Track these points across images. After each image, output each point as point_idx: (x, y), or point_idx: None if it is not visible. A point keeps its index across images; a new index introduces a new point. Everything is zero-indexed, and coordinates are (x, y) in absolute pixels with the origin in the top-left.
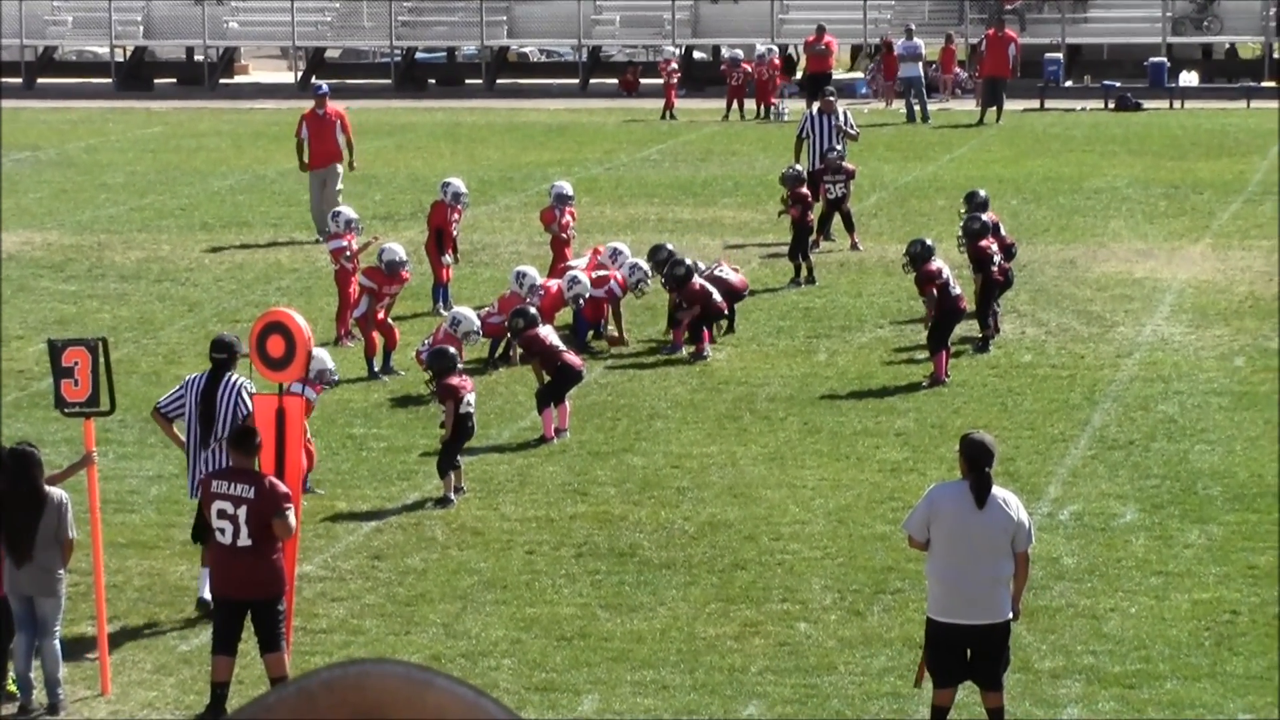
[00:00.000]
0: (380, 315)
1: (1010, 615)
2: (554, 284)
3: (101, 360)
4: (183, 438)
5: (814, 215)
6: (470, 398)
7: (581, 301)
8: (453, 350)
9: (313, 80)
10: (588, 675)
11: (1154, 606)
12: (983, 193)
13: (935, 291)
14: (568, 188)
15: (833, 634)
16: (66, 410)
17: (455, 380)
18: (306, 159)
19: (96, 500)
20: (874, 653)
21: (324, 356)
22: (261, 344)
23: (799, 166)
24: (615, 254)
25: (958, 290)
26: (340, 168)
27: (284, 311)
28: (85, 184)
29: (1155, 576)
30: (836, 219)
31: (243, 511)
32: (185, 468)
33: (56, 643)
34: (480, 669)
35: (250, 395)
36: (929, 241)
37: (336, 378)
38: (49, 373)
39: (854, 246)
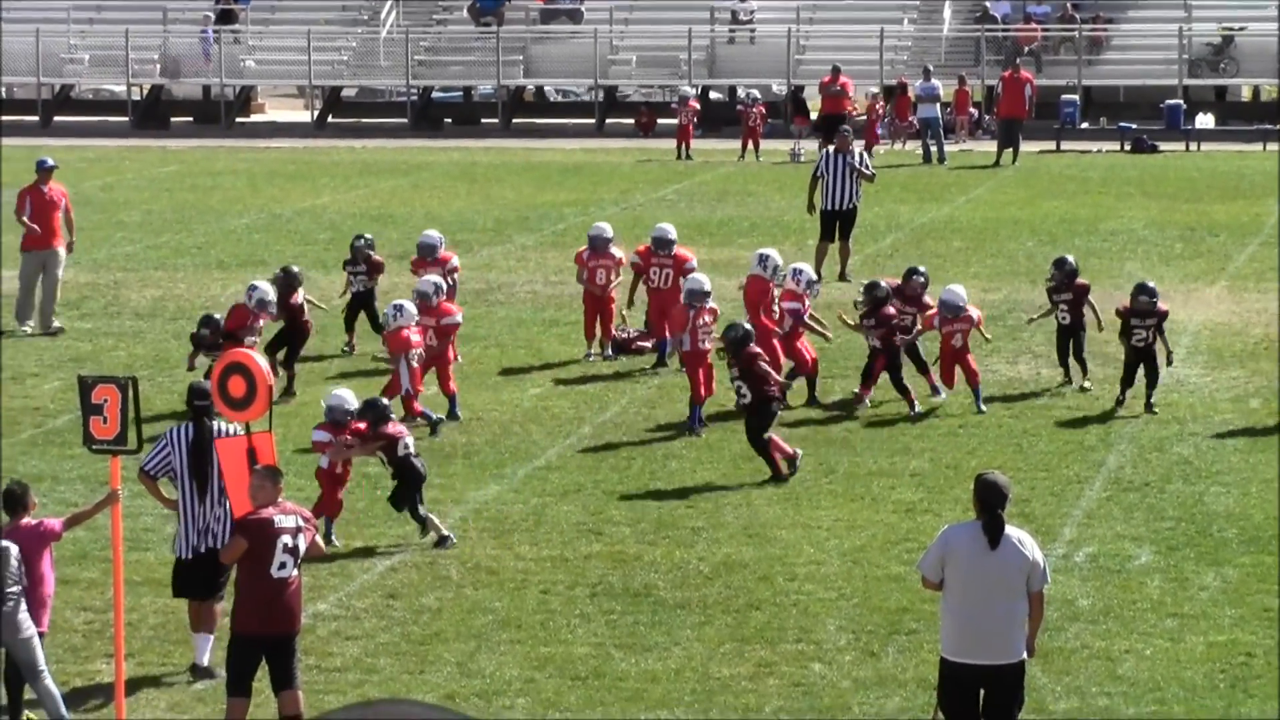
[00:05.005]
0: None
1: (1025, 655)
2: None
3: (131, 399)
4: (170, 496)
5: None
6: (408, 441)
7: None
8: (385, 401)
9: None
10: (602, 715)
11: (1169, 649)
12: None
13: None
14: (672, 231)
15: (847, 675)
16: (94, 447)
17: (390, 428)
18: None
19: (119, 537)
20: (889, 694)
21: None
22: (223, 385)
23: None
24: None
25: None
26: (62, 251)
27: (243, 352)
28: (102, 222)
29: (1170, 619)
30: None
31: (301, 540)
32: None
33: (49, 682)
34: (495, 708)
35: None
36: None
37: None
38: (65, 410)
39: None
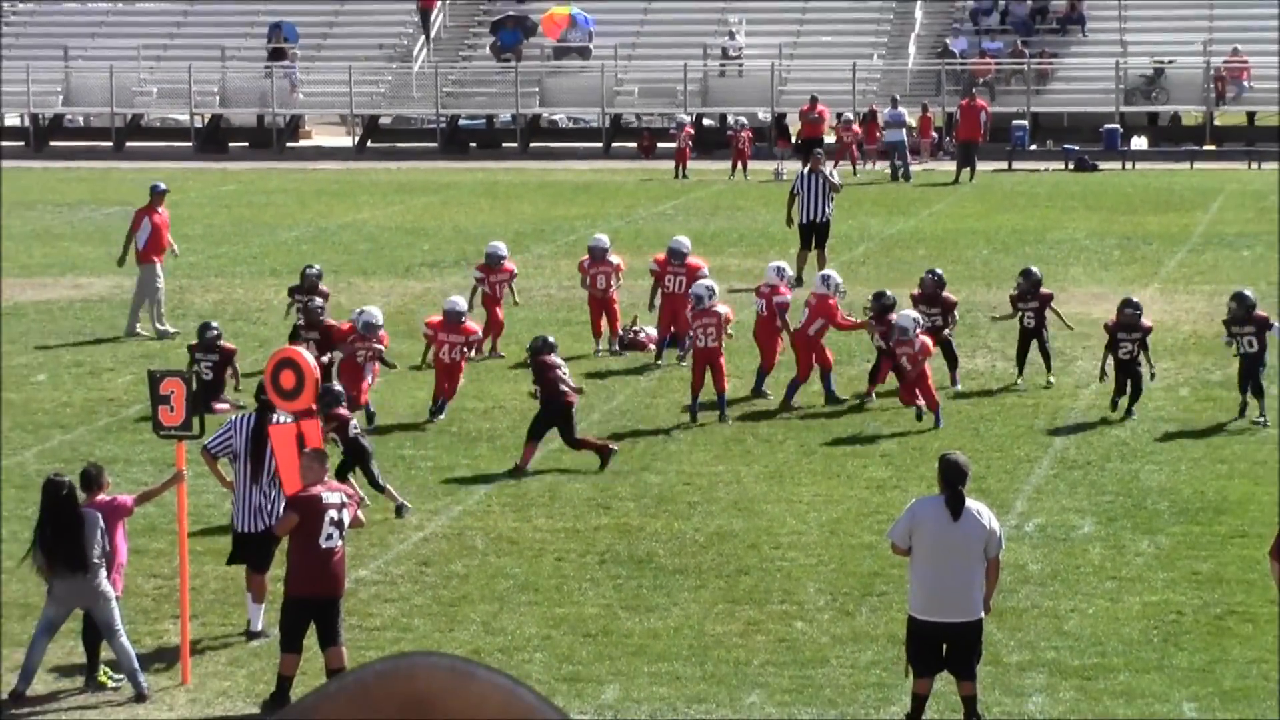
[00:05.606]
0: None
1: (982, 613)
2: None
3: (194, 391)
4: (227, 475)
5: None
6: (356, 423)
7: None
8: (337, 388)
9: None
10: (610, 668)
11: (1109, 608)
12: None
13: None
14: (687, 244)
15: (826, 631)
16: (162, 433)
17: (341, 412)
18: (137, 251)
19: (185, 512)
20: (862, 648)
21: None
22: (275, 378)
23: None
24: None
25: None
26: (160, 266)
27: (294, 349)
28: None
29: (1110, 581)
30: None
31: (345, 514)
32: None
33: (124, 640)
34: (515, 662)
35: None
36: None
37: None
38: (136, 400)
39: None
